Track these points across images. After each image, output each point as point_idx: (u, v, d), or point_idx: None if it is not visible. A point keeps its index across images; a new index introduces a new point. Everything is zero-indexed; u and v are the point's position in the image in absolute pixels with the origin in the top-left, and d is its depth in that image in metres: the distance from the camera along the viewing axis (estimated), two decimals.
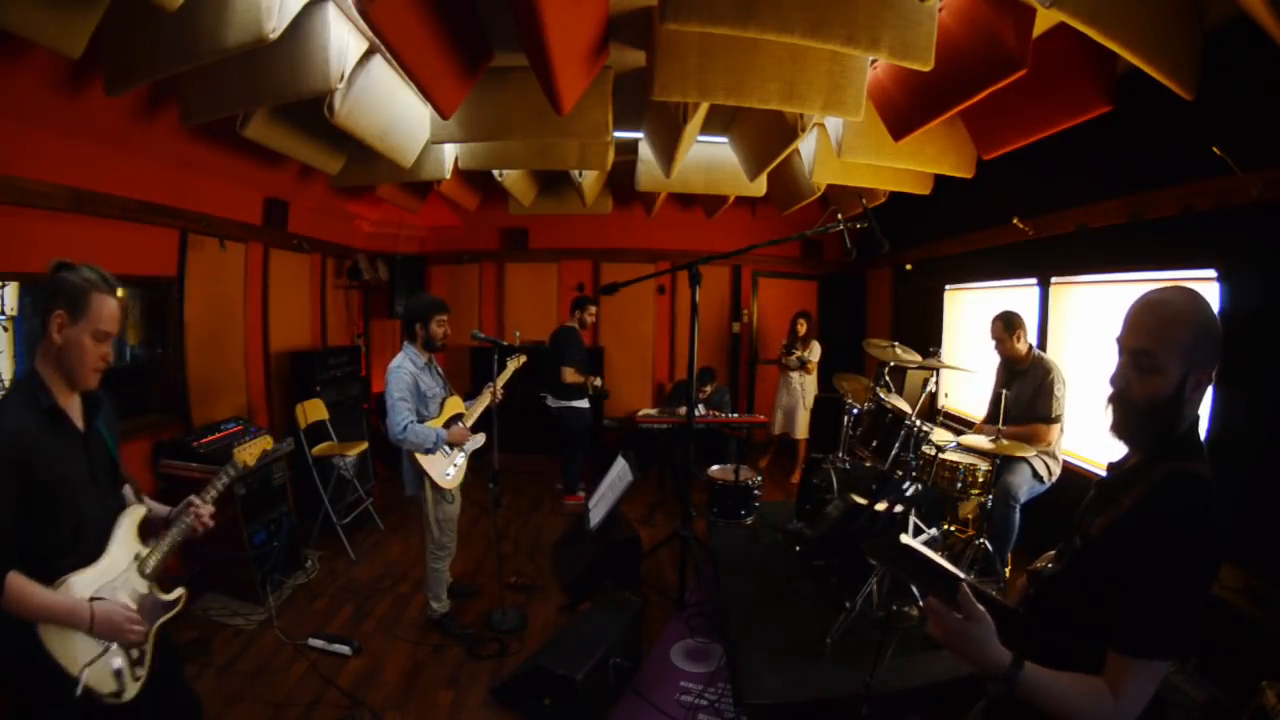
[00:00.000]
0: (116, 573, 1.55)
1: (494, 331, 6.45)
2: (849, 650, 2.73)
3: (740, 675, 2.70)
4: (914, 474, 3.14)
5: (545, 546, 4.29)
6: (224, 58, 2.27)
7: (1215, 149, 2.44)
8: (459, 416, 3.20)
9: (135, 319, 3.76)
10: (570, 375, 4.80)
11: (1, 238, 2.64)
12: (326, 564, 3.95)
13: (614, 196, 6.18)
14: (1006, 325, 3.40)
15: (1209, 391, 1.10)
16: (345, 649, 2.99)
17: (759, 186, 4.51)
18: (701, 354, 5.78)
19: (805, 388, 5.66)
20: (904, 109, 2.93)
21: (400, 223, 6.30)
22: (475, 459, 3.30)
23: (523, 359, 3.54)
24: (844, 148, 3.47)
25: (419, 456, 2.99)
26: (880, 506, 3.16)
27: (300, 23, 2.38)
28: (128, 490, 1.74)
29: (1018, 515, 3.24)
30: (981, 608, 1.03)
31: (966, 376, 3.86)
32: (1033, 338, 3.57)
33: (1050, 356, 3.46)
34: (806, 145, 4.03)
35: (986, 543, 3.20)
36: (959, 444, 3.49)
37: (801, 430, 5.68)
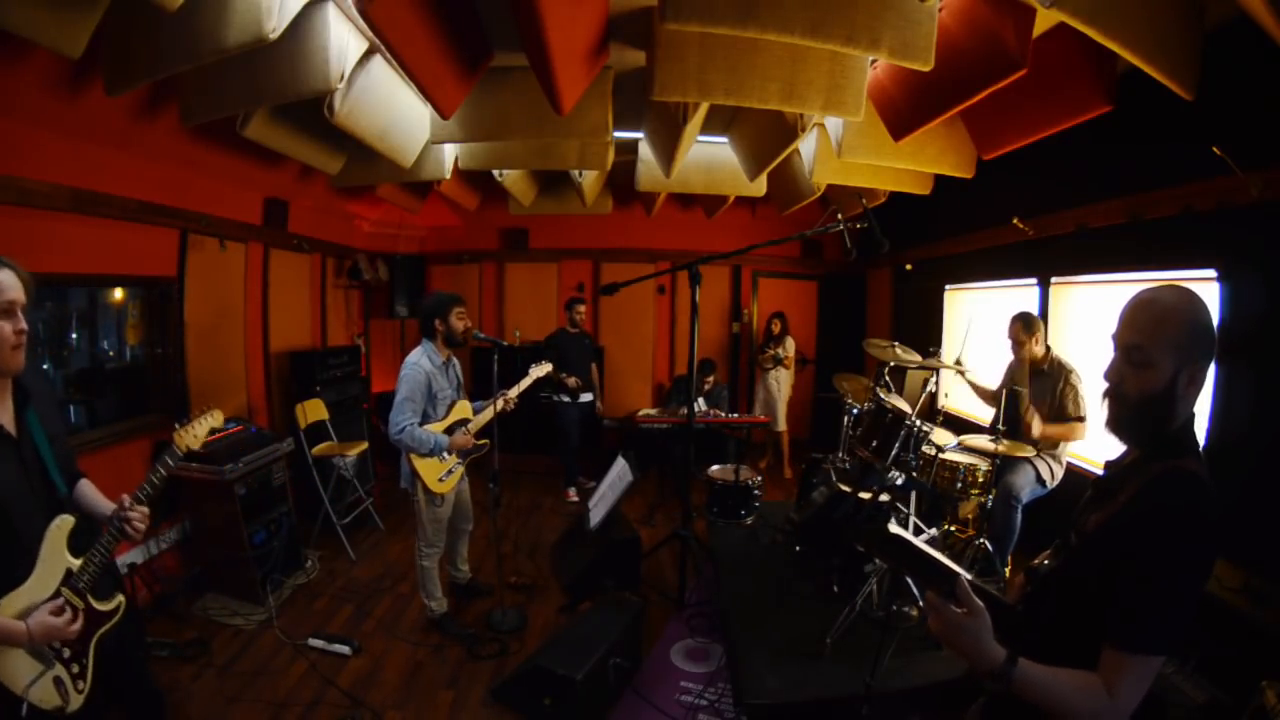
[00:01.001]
0: (48, 591, 1.48)
1: (494, 331, 6.45)
2: (849, 650, 2.73)
3: (740, 675, 2.70)
4: (912, 471, 3.14)
5: (545, 546, 4.29)
6: (224, 58, 2.27)
7: (1215, 149, 2.43)
8: (464, 422, 3.18)
9: (135, 319, 3.76)
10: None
11: (1, 238, 2.65)
12: (326, 564, 3.95)
13: (614, 196, 6.18)
14: (1026, 326, 3.36)
15: (1209, 391, 1.11)
16: (345, 649, 2.99)
17: (759, 186, 4.51)
18: (701, 354, 5.78)
19: (780, 382, 5.87)
20: (904, 109, 2.93)
21: (400, 223, 6.30)
22: (475, 460, 3.29)
23: (548, 368, 3.52)
24: (844, 148, 3.47)
25: (414, 458, 2.98)
26: (865, 495, 3.16)
27: (300, 23, 2.38)
28: (82, 486, 1.69)
29: (1019, 515, 3.24)
30: (980, 602, 1.04)
31: (989, 373, 3.84)
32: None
33: (1065, 356, 3.44)
34: (806, 145, 4.03)
35: (987, 543, 3.20)
36: (960, 444, 3.50)
37: (782, 423, 5.86)
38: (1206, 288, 2.68)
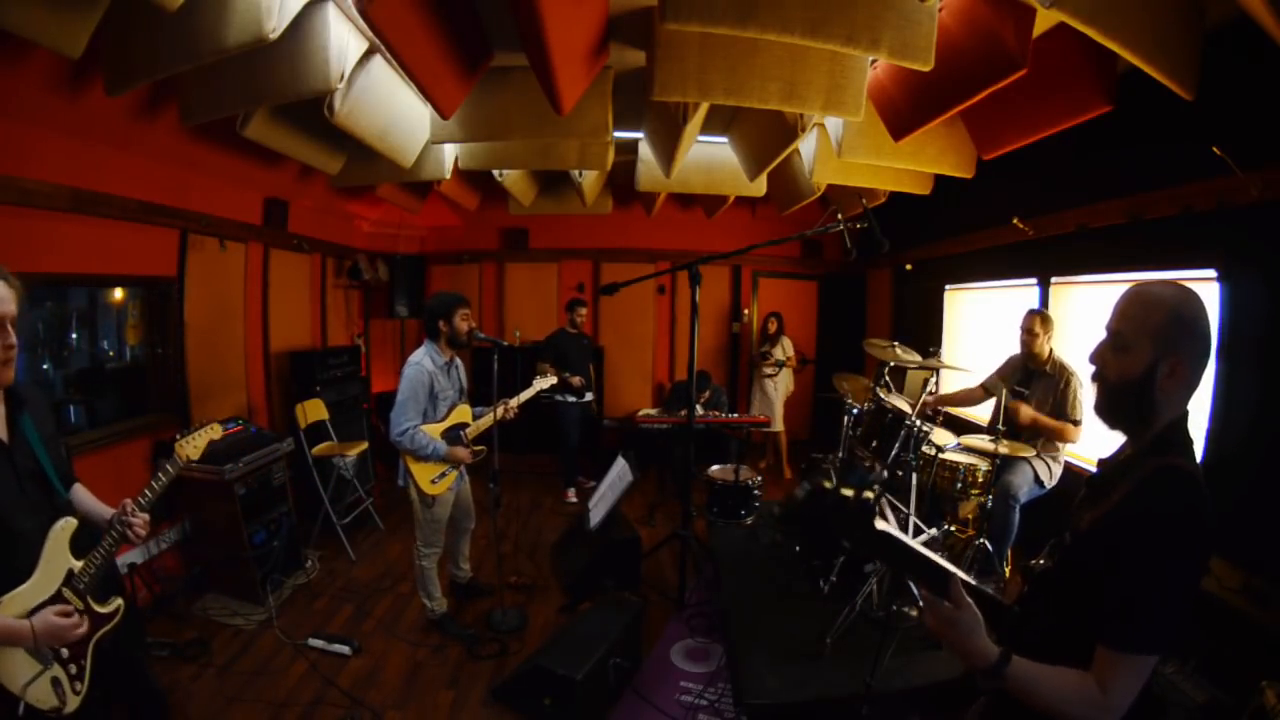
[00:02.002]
0: (50, 591, 1.50)
1: (494, 331, 6.45)
2: (849, 650, 2.73)
3: (740, 675, 2.70)
4: (908, 471, 3.14)
5: (545, 546, 4.29)
6: (224, 58, 2.27)
7: (1215, 149, 2.44)
8: (463, 426, 3.18)
9: (135, 319, 3.76)
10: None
11: (1, 238, 2.65)
12: (326, 564, 3.95)
13: (614, 196, 6.18)
14: (1044, 320, 3.35)
15: (1208, 390, 1.11)
16: (345, 649, 2.99)
17: (759, 186, 4.51)
18: (701, 354, 5.78)
19: (778, 383, 5.88)
20: (904, 109, 2.93)
21: (400, 223, 6.30)
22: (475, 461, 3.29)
23: (552, 379, 3.53)
24: (844, 148, 3.47)
25: (409, 458, 2.99)
26: (848, 491, 3.16)
27: (300, 23, 2.38)
28: (77, 490, 1.69)
29: (1017, 515, 3.24)
30: (970, 601, 1.04)
31: (966, 377, 3.86)
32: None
33: (1067, 359, 3.44)
34: (806, 145, 4.03)
35: (986, 543, 3.20)
36: (960, 444, 3.50)
37: (779, 423, 5.88)
38: (1206, 288, 2.68)
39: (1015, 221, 3.86)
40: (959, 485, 3.35)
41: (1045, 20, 2.29)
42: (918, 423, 3.13)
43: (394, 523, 4.65)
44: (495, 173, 4.69)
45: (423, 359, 3.02)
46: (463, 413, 3.20)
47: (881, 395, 3.38)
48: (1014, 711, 1.07)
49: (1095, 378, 1.18)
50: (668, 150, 3.84)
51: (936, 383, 3.97)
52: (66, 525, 1.55)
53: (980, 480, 3.29)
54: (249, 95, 2.75)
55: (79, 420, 3.41)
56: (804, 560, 3.54)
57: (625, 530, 3.79)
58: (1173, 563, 1.00)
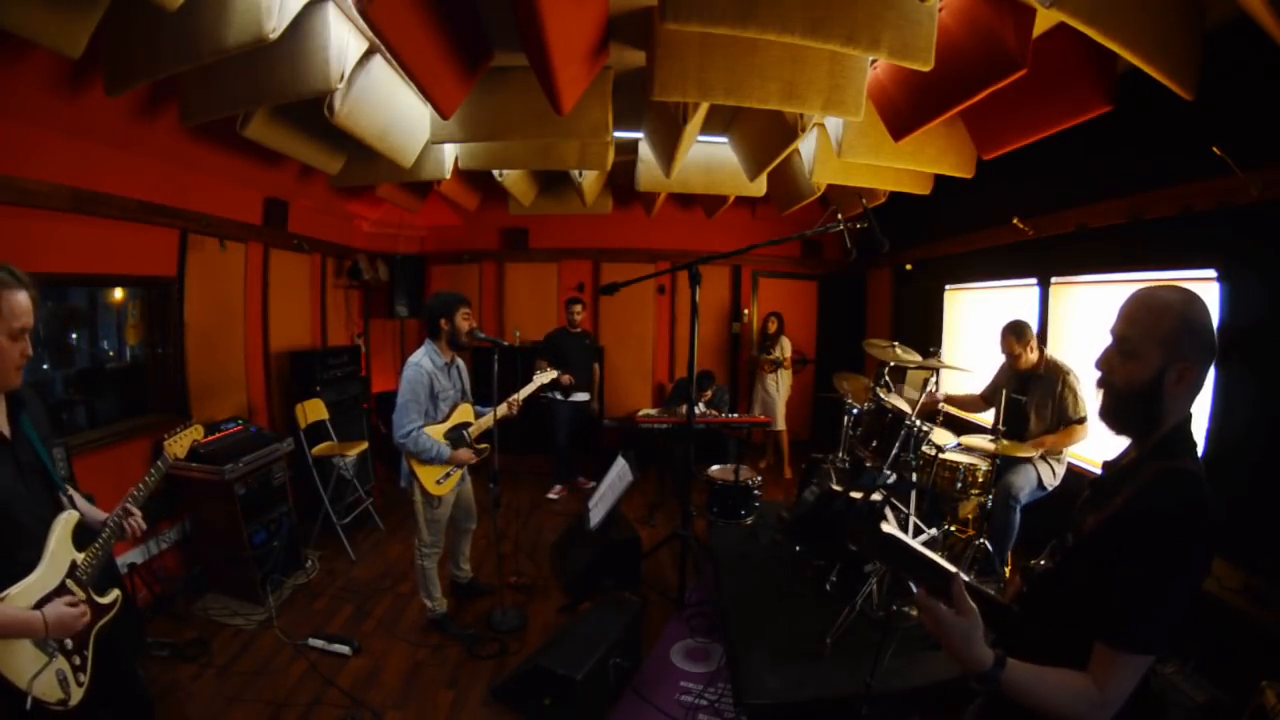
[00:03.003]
0: (55, 582, 1.53)
1: (494, 331, 6.45)
2: (849, 650, 2.73)
3: (740, 675, 2.70)
4: (909, 471, 3.14)
5: (545, 546, 4.29)
6: (224, 58, 2.27)
7: (1215, 149, 2.43)
8: (466, 425, 3.18)
9: (135, 319, 3.76)
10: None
11: (1, 238, 2.65)
12: (326, 564, 3.95)
13: (614, 196, 6.18)
14: (1019, 336, 3.36)
15: (1208, 390, 1.11)
16: (345, 649, 2.99)
17: (759, 186, 4.51)
18: (701, 354, 5.79)
19: (780, 383, 5.90)
20: (904, 109, 2.93)
21: (400, 223, 6.29)
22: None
23: (553, 373, 3.54)
24: (844, 148, 3.46)
25: (413, 460, 2.99)
26: (855, 494, 3.16)
27: (300, 23, 2.38)
28: (72, 494, 1.72)
29: (1018, 515, 3.24)
30: (972, 604, 1.04)
31: (967, 377, 3.86)
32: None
33: (1058, 357, 3.44)
34: (806, 145, 4.03)
35: (986, 543, 3.20)
36: (960, 444, 3.49)
37: (781, 422, 5.90)
38: (1206, 288, 2.68)
39: (1015, 221, 3.86)
40: (959, 485, 3.35)
41: (1045, 20, 2.29)
42: (918, 423, 3.13)
43: (394, 523, 4.65)
44: (495, 173, 4.69)
45: (421, 359, 3.02)
46: (465, 412, 3.20)
47: (881, 395, 3.38)
48: (1011, 711, 1.08)
49: (1101, 383, 1.18)
50: (668, 150, 3.84)
51: (936, 383, 3.97)
52: (70, 518, 1.59)
53: (980, 480, 3.29)
54: (249, 95, 2.75)
55: (79, 420, 3.41)
56: (804, 560, 3.54)
57: (625, 530, 3.79)
58: (1175, 564, 1.00)
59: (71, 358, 3.53)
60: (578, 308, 5.30)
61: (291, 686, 2.74)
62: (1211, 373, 1.11)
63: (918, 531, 3.29)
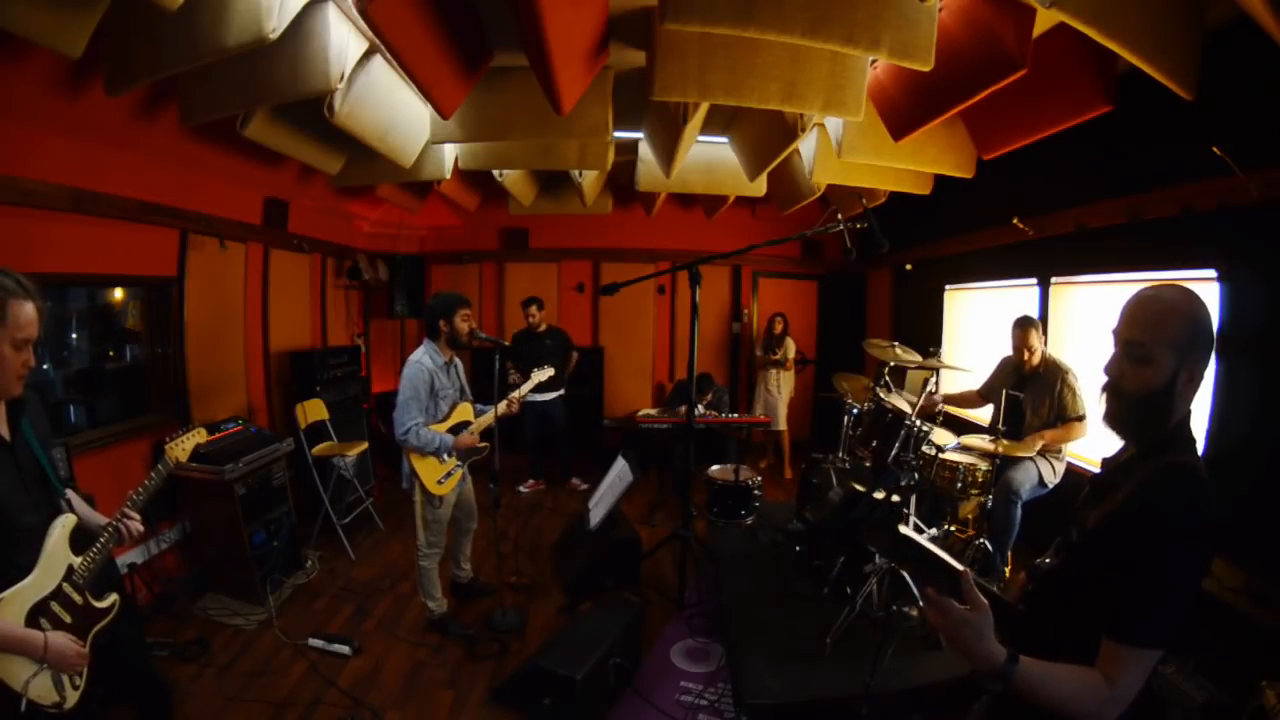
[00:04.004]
0: (51, 585, 1.53)
1: (494, 331, 6.44)
2: (849, 650, 2.73)
3: (740, 675, 2.70)
4: (914, 471, 3.14)
5: (545, 546, 4.29)
6: (224, 58, 2.27)
7: (1215, 149, 2.43)
8: (466, 424, 3.18)
9: (135, 319, 3.76)
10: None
11: (1, 238, 2.65)
12: (326, 564, 3.95)
13: (614, 196, 6.18)
14: (1038, 332, 3.35)
15: (1208, 390, 1.11)
16: (345, 649, 2.99)
17: (759, 186, 4.51)
18: (701, 354, 5.79)
19: (783, 383, 5.91)
20: (904, 109, 2.93)
21: (400, 223, 6.29)
22: (476, 461, 3.29)
23: (550, 371, 3.55)
24: (844, 148, 3.47)
25: (414, 458, 2.98)
26: (879, 494, 3.16)
27: (300, 23, 2.38)
28: (70, 496, 1.72)
29: (1019, 512, 3.24)
30: (984, 600, 1.04)
31: (967, 377, 3.86)
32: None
33: (1057, 355, 3.44)
34: (806, 145, 4.03)
35: (987, 542, 3.20)
36: (960, 444, 3.49)
37: (782, 422, 5.92)
38: (1206, 288, 2.68)
39: (1015, 221, 3.86)
40: (959, 485, 3.35)
41: (1045, 20, 2.29)
42: (918, 423, 3.13)
43: (394, 523, 4.65)
44: (495, 173, 4.69)
45: (421, 358, 3.02)
46: (464, 410, 3.20)
47: (881, 395, 3.38)
48: (1017, 711, 1.08)
49: (1109, 389, 1.15)
50: (668, 150, 3.84)
51: (936, 383, 3.98)
52: (67, 521, 1.59)
53: (980, 480, 3.29)
54: (249, 95, 2.75)
55: (79, 420, 3.41)
56: (804, 560, 3.54)
57: (625, 530, 3.79)
58: (1178, 556, 1.01)
59: (71, 358, 3.53)
60: (532, 308, 5.25)
61: (291, 686, 2.74)
62: (1211, 373, 1.11)
63: (918, 531, 3.29)
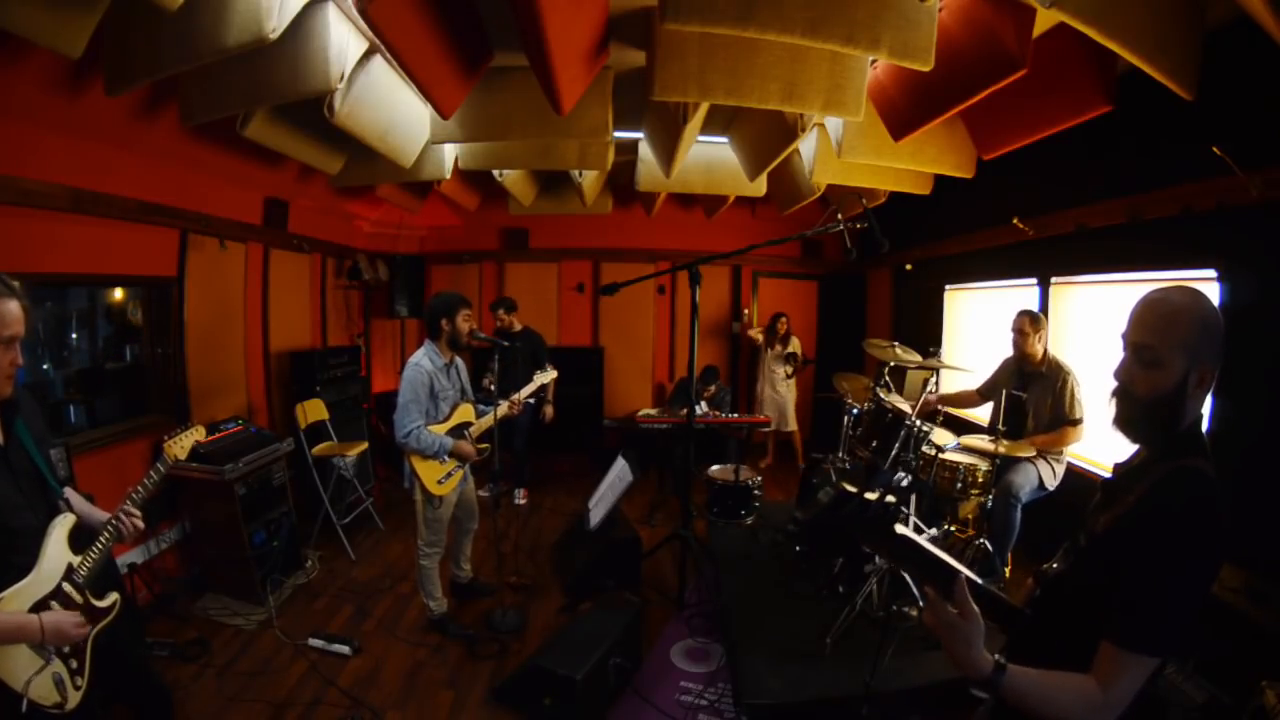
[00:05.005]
0: (50, 585, 1.52)
1: (494, 332, 6.44)
2: (849, 650, 2.73)
3: (740, 675, 2.70)
4: (913, 471, 3.14)
5: (545, 546, 4.29)
6: (224, 58, 2.27)
7: (1215, 149, 2.43)
8: (467, 425, 3.18)
9: (135, 319, 3.76)
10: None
11: (1, 238, 2.65)
12: (326, 564, 3.95)
13: (614, 196, 6.18)
14: (1034, 320, 3.34)
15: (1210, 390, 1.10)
16: (345, 649, 2.99)
17: (759, 186, 4.51)
18: (701, 354, 5.77)
19: (790, 383, 5.98)
20: (904, 109, 2.93)
21: (400, 223, 6.29)
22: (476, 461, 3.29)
23: (553, 374, 3.55)
24: (844, 148, 3.46)
25: (414, 459, 2.98)
26: (870, 495, 3.16)
27: (300, 23, 2.38)
28: (70, 495, 1.71)
29: (1019, 514, 3.24)
30: (975, 607, 1.03)
31: (967, 377, 3.86)
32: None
33: (1062, 358, 3.43)
34: (806, 145, 4.03)
35: (986, 543, 3.20)
36: (959, 444, 3.49)
37: (792, 422, 6.00)
38: (1207, 288, 2.67)
39: (1015, 221, 3.86)
40: (959, 485, 3.35)
41: (1045, 20, 2.29)
42: (918, 423, 3.13)
43: (394, 523, 4.65)
44: (495, 173, 4.69)
45: (421, 359, 3.02)
46: (465, 411, 3.20)
47: (881, 395, 3.38)
48: (1020, 715, 1.07)
49: (1119, 393, 1.14)
50: (668, 150, 3.84)
51: (936, 383, 3.97)
52: (65, 521, 1.59)
53: (980, 480, 3.29)
54: (249, 95, 2.75)
55: (79, 420, 3.41)
56: (804, 560, 3.54)
57: (625, 530, 3.79)
58: (1188, 564, 0.99)
59: (71, 358, 3.53)
60: (500, 311, 5.10)
61: (291, 686, 2.74)
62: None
63: (918, 532, 3.29)
